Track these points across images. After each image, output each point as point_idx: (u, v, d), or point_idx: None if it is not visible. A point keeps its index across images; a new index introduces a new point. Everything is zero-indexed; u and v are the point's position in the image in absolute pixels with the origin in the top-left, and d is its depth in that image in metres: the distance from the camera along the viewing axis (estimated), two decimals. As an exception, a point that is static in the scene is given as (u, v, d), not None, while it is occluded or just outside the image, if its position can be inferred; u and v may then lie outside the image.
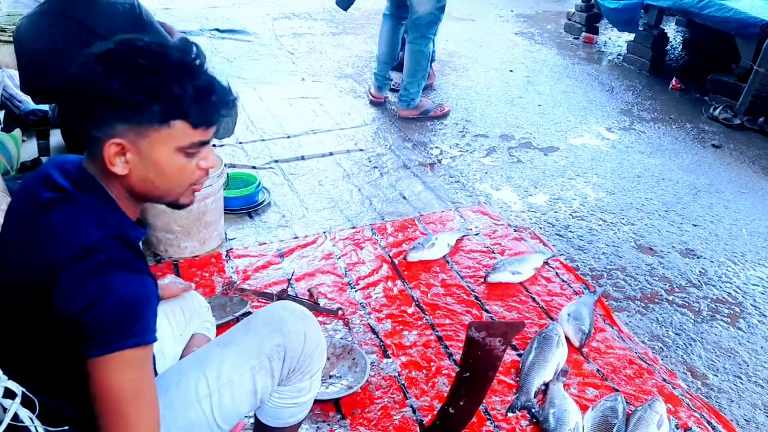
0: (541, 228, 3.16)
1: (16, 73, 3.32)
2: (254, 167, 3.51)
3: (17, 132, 3.10)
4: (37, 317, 1.07)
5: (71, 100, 1.13)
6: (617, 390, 2.14)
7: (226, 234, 2.89)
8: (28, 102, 3.35)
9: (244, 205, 3.07)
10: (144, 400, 1.08)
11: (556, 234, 3.12)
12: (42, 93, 2.58)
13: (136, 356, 1.05)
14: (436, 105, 4.43)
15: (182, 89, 1.10)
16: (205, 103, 1.13)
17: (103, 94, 1.08)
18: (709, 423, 2.05)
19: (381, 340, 2.31)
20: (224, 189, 2.80)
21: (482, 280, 2.68)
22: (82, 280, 1.03)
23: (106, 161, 1.11)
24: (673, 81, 5.23)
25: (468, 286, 2.65)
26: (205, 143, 1.18)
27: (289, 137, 3.94)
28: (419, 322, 2.42)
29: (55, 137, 3.14)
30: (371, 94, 4.56)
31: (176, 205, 1.25)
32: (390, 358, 2.23)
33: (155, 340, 1.08)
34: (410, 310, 2.49)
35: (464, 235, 2.99)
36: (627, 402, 2.07)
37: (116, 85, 1.07)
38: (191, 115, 1.12)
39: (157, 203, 1.25)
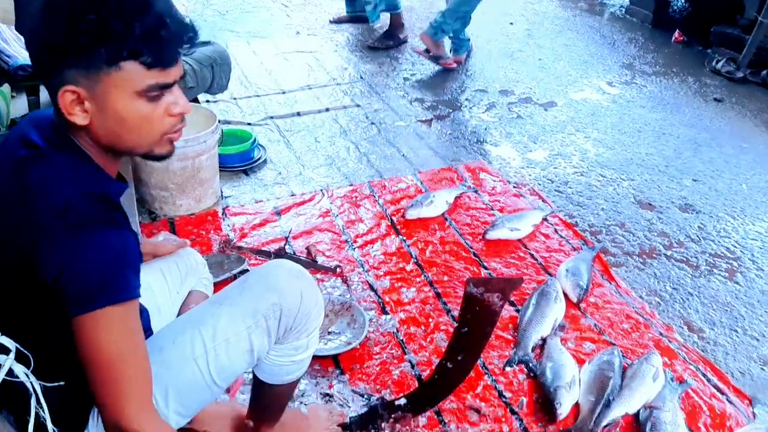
0: (540, 184, 3.13)
1: (3, 27, 3.24)
2: (249, 123, 3.46)
3: (6, 87, 3.04)
4: (26, 277, 1.06)
5: (30, 51, 1.09)
6: (614, 344, 2.15)
7: (221, 192, 2.86)
8: (17, 57, 3.28)
9: (239, 162, 3.03)
10: (132, 356, 1.07)
11: (556, 190, 3.10)
12: None
13: (119, 313, 1.04)
14: (449, 57, 4.36)
15: (126, 26, 1.02)
16: (155, 40, 1.05)
17: (48, 41, 1.03)
18: (704, 375, 2.06)
19: (379, 297, 2.31)
20: (219, 145, 2.76)
21: (481, 237, 2.67)
22: (56, 242, 1.01)
23: (63, 111, 1.06)
24: (676, 34, 5.14)
25: (466, 243, 2.64)
26: (168, 86, 1.10)
27: (284, 93, 3.88)
28: (417, 279, 2.42)
29: (46, 93, 3.08)
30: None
31: (152, 157, 1.18)
32: (388, 314, 2.23)
33: (138, 296, 1.07)
34: (408, 268, 2.48)
35: (463, 192, 2.97)
36: (623, 356, 2.08)
37: (58, 29, 1.02)
38: (142, 54, 1.04)
39: (131, 155, 1.20)
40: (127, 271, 1.06)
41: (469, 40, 4.52)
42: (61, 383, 1.06)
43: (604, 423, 1.85)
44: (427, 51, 4.31)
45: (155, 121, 1.11)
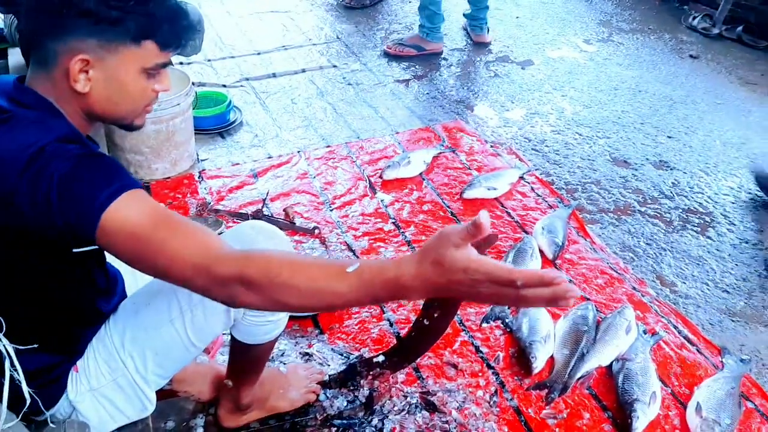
0: (517, 143, 3.14)
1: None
2: (224, 85, 3.42)
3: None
4: (6, 242, 1.04)
5: (39, 12, 1.08)
6: (588, 299, 2.19)
7: (197, 155, 2.84)
8: (-18, 20, 3.19)
9: (215, 124, 3.00)
10: (165, 215, 1.02)
11: (533, 149, 3.11)
12: (7, 2, 2.46)
13: (128, 198, 0.99)
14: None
15: (157, 9, 1.10)
16: (176, 25, 1.14)
17: (76, 6, 1.04)
18: (675, 327, 2.12)
19: (358, 258, 2.33)
20: (193, 108, 2.73)
21: (458, 196, 2.68)
22: (33, 185, 0.98)
23: (69, 77, 1.08)
24: (654, -10, 5.11)
25: (444, 203, 2.65)
26: (166, 64, 1.19)
27: (259, 54, 3.83)
28: (396, 239, 2.44)
29: (15, 56, 3.01)
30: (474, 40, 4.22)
31: (130, 127, 1.24)
32: (366, 274, 2.25)
33: (138, 185, 1.03)
34: (387, 228, 2.50)
35: (440, 152, 2.97)
36: (597, 310, 2.12)
37: None
38: (162, 36, 1.12)
39: (109, 123, 1.22)
40: (120, 174, 1.04)
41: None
42: (35, 345, 1.05)
43: (578, 375, 1.89)
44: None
45: (146, 95, 1.18)
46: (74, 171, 0.99)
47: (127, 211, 0.98)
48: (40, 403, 1.12)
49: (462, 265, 0.85)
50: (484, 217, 0.82)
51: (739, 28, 4.38)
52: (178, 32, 1.15)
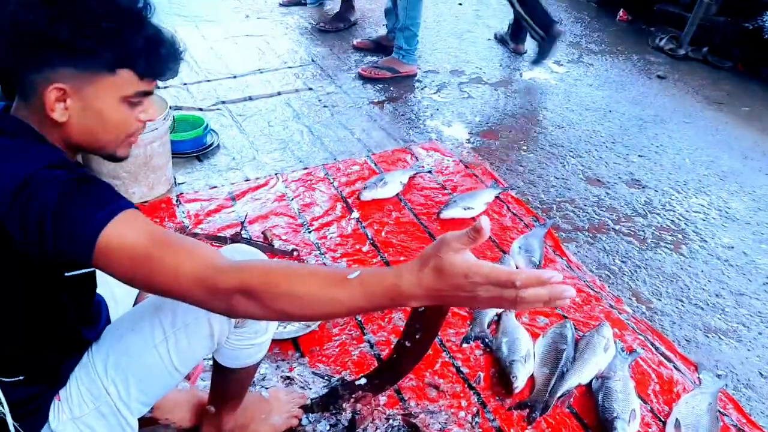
0: (492, 163, 3.18)
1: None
2: (201, 109, 3.41)
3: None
4: None
5: (10, 42, 1.06)
6: (566, 317, 2.22)
7: (175, 178, 2.82)
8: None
9: (192, 148, 2.99)
10: (161, 234, 1.02)
11: (507, 169, 3.16)
12: None
13: (120, 224, 0.99)
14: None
15: (133, 38, 1.09)
16: (154, 54, 1.13)
17: (50, 37, 1.03)
18: (652, 344, 2.15)
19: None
20: (170, 132, 2.72)
21: (435, 216, 2.70)
22: (24, 213, 0.97)
23: (45, 107, 1.07)
24: (621, 12, 5.25)
25: (421, 224, 2.67)
26: (148, 93, 1.17)
27: (235, 77, 3.83)
28: (374, 260, 2.44)
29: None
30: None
31: (112, 158, 1.22)
32: (346, 296, 2.25)
33: (131, 206, 1.03)
34: (365, 249, 2.50)
35: (417, 173, 2.99)
36: (576, 328, 2.15)
37: (64, 28, 1.03)
38: (140, 65, 1.11)
39: (92, 154, 1.21)
40: (112, 195, 1.03)
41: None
42: (21, 377, 1.04)
43: (558, 394, 1.91)
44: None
45: (128, 124, 1.17)
46: (66, 197, 0.98)
47: (123, 231, 0.98)
48: (21, 436, 1.10)
49: (462, 269, 0.86)
50: (484, 222, 0.84)
51: (705, 49, 4.51)
52: (156, 61, 1.14)
